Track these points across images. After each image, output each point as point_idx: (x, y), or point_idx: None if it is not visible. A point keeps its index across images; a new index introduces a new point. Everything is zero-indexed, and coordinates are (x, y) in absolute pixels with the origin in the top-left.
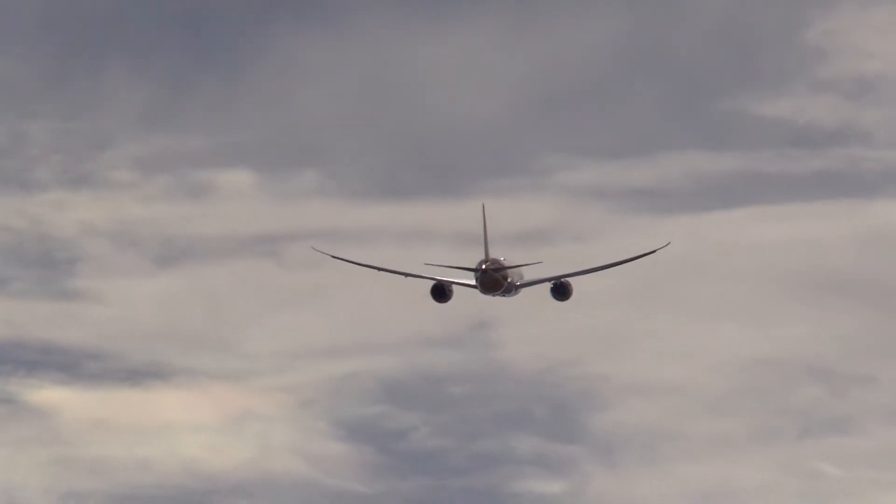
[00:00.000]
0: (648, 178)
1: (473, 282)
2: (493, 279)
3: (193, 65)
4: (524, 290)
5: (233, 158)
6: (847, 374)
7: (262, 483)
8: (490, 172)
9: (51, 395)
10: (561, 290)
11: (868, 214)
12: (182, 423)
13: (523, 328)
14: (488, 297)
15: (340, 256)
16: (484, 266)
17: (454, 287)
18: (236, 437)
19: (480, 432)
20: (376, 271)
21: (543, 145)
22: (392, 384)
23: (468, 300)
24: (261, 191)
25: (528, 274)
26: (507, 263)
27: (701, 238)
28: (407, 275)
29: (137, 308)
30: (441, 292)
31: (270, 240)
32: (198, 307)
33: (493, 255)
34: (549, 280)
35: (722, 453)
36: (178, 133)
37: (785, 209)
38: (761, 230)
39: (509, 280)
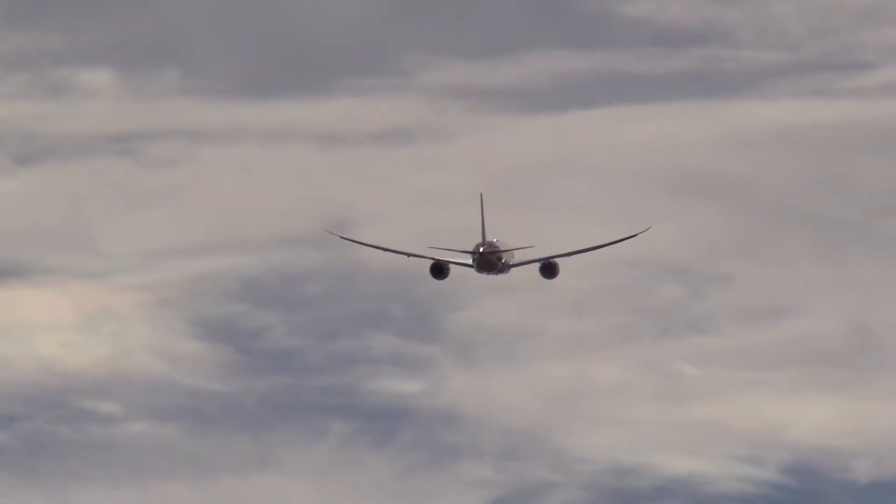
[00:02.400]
0: (511, 78)
1: (469, 261)
2: (490, 261)
3: None
4: (514, 270)
5: (93, 57)
6: (706, 273)
7: (119, 382)
8: (352, 71)
9: None
10: (549, 269)
11: (729, 115)
12: (40, 322)
13: (383, 228)
14: (482, 275)
15: (349, 237)
16: (482, 249)
17: (451, 266)
18: (94, 336)
19: (338, 331)
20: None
21: (406, 45)
22: (250, 283)
23: (465, 279)
24: (121, 89)
25: (520, 255)
26: (501, 247)
27: (563, 138)
28: (409, 255)
29: None
30: (439, 270)
31: (130, 138)
32: (57, 206)
33: (489, 239)
34: (538, 261)
35: (581, 352)
36: (38, 31)
37: (647, 109)
38: (623, 130)
39: (503, 261)
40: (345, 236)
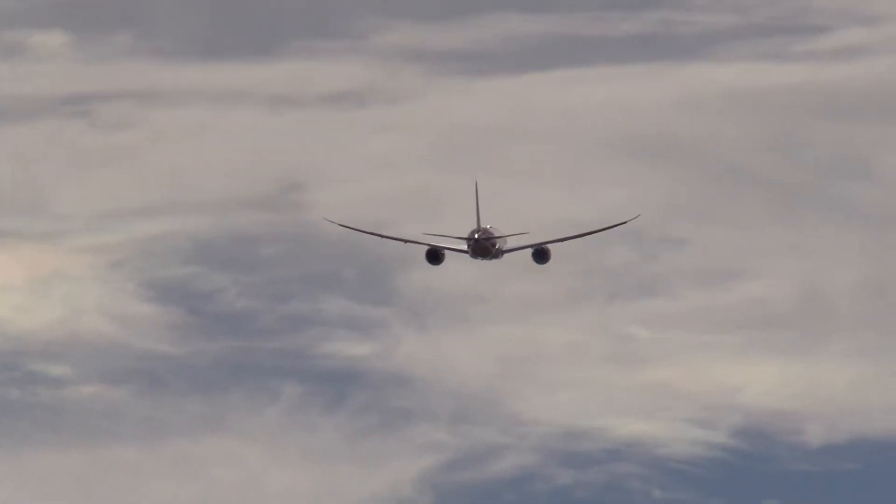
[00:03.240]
0: (465, 41)
1: (464, 247)
2: (484, 247)
3: None
4: (507, 255)
5: (46, 19)
6: (658, 236)
7: (70, 344)
8: (305, 34)
9: None
10: (541, 254)
11: (682, 78)
12: None
13: (336, 190)
14: (477, 261)
15: (348, 225)
16: (477, 236)
17: (447, 252)
18: (45, 299)
19: (290, 294)
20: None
21: (359, 7)
22: (203, 245)
23: (460, 264)
24: (74, 51)
25: (513, 241)
26: (496, 234)
27: (516, 100)
28: (407, 241)
29: None
30: (435, 256)
31: (83, 100)
32: (9, 168)
33: (483, 226)
34: (530, 246)
35: (532, 315)
36: None
37: (600, 71)
38: (577, 93)
39: (497, 247)
40: (346, 225)
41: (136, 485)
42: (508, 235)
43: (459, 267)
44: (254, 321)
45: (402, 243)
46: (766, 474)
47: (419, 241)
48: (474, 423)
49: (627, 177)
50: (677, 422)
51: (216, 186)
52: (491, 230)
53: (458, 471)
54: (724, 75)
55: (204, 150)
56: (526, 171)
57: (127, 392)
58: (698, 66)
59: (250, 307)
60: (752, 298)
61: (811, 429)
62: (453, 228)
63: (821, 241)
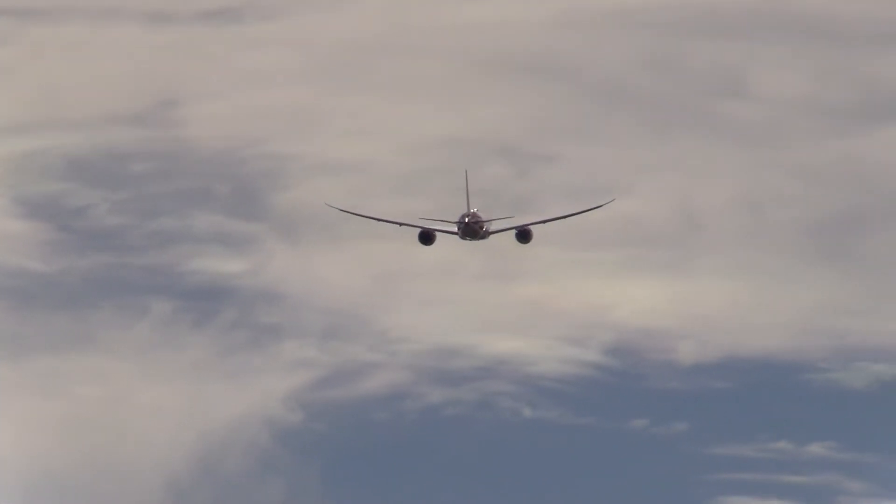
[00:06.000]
0: None
1: (454, 230)
2: (473, 230)
3: None
4: (494, 236)
5: None
6: (532, 153)
7: None
8: None
9: None
10: (524, 235)
11: None
12: None
13: (211, 107)
14: (465, 241)
15: (348, 210)
16: (467, 220)
17: (438, 234)
18: None
19: (162, 210)
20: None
21: None
22: (75, 161)
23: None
24: None
25: (499, 224)
26: (483, 217)
27: (392, 17)
28: (402, 224)
29: None
30: (427, 237)
31: None
32: None
33: (472, 210)
34: (514, 228)
35: (405, 232)
36: None
37: None
38: (453, 10)
39: (484, 229)
40: (344, 209)
41: (3, 401)
42: (495, 219)
43: (330, 182)
44: (124, 238)
45: (397, 226)
46: (637, 392)
47: (413, 224)
48: (345, 341)
49: (502, 94)
50: (549, 339)
51: (91, 103)
52: (478, 213)
53: (329, 388)
54: None
55: (79, 66)
56: (400, 88)
57: None
58: None
59: (121, 224)
60: (627, 216)
61: (683, 347)
62: (327, 147)
63: (695, 159)
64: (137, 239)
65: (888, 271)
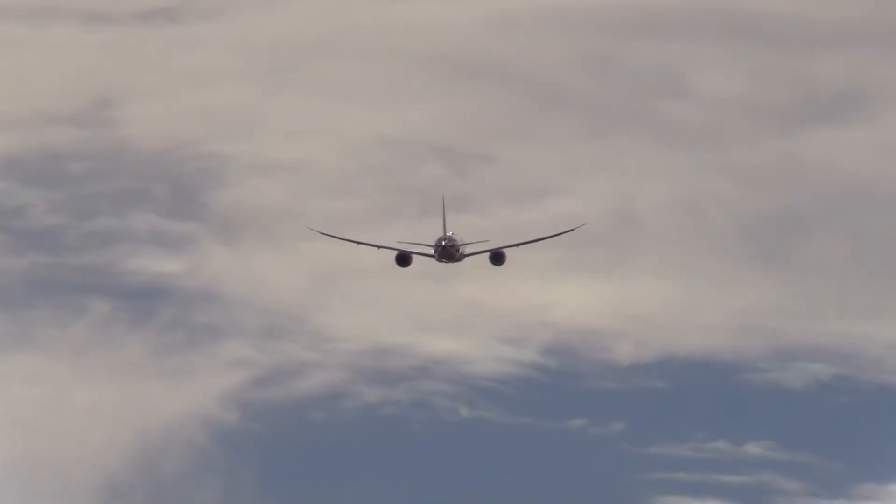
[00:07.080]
0: None
1: (430, 252)
2: (450, 253)
3: None
4: (468, 258)
5: None
6: (469, 153)
7: None
8: None
9: None
10: (497, 257)
11: None
12: None
13: (147, 107)
14: (441, 264)
15: (328, 233)
16: (444, 243)
17: (414, 256)
18: None
19: (98, 210)
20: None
21: None
22: (12, 161)
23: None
24: None
25: (474, 247)
26: (459, 241)
27: (330, 17)
28: (380, 247)
29: None
30: (404, 259)
31: None
32: None
33: (448, 233)
34: (488, 251)
35: (343, 232)
36: None
37: None
38: (392, 10)
39: (459, 252)
40: (326, 233)
41: None
42: (470, 243)
43: (268, 182)
44: (61, 237)
45: (375, 248)
46: (574, 392)
47: (391, 246)
48: (283, 340)
49: (440, 94)
50: (487, 339)
51: (27, 103)
52: (454, 237)
53: (265, 388)
54: None
55: (15, 66)
56: (338, 88)
57: None
58: None
59: (58, 223)
60: (564, 216)
61: (620, 347)
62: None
63: (633, 160)
64: (74, 239)
65: (826, 272)
